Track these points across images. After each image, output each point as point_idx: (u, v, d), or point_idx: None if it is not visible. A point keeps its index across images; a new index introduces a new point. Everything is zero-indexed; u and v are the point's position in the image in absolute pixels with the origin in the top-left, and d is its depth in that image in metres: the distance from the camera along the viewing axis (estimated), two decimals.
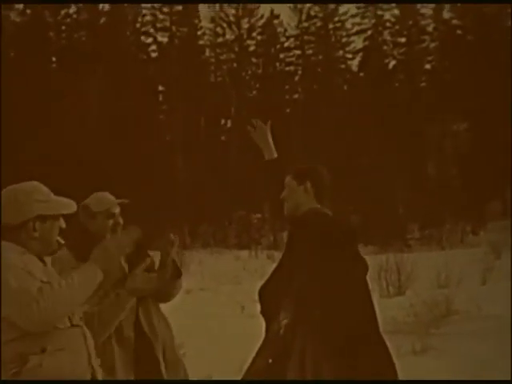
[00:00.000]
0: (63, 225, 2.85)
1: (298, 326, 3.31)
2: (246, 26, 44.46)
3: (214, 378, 7.14)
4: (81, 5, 40.83)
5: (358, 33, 44.34)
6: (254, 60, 45.01)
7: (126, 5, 41.31)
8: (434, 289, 13.08)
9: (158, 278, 3.52)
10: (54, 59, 41.79)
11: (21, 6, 39.94)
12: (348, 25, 44.31)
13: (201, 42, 44.43)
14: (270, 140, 4.02)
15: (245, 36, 44.54)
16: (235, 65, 44.33)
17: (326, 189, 3.62)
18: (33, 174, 5.14)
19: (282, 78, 44.38)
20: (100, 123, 37.21)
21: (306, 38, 44.74)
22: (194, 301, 14.03)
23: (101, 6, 41.56)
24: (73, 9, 41.25)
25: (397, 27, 43.85)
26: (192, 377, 4.06)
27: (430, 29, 43.65)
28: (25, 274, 2.61)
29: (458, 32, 42.20)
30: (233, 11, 44.21)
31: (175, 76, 40.69)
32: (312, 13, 44.26)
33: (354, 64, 44.67)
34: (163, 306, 3.90)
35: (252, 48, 44.95)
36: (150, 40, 43.92)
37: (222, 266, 23.66)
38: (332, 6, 43.73)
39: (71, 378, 2.66)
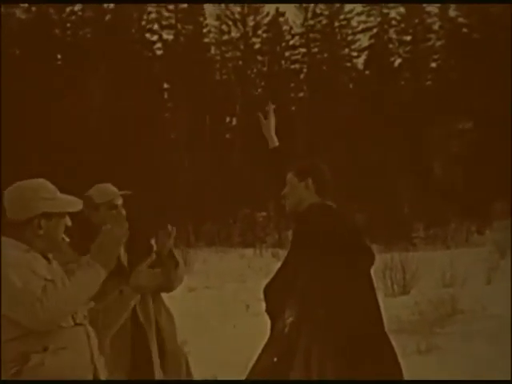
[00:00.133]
0: (69, 223, 2.84)
1: (303, 325, 3.30)
2: (251, 23, 44.42)
3: (218, 377, 7.12)
4: (86, 2, 40.88)
5: (363, 31, 44.23)
6: (259, 58, 44.96)
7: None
8: (439, 288, 13.03)
9: (161, 274, 3.51)
10: (59, 56, 41.79)
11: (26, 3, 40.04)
12: (354, 23, 44.25)
13: (206, 40, 44.39)
14: (273, 127, 4.06)
15: (250, 34, 44.49)
16: (240, 63, 44.30)
17: (328, 185, 3.63)
18: (35, 171, 5.13)
19: (288, 75, 44.29)
20: (105, 120, 37.24)
21: (311, 35, 44.65)
22: (199, 299, 14.01)
23: (106, 3, 41.68)
24: (78, 6, 41.30)
25: (402, 25, 43.74)
26: (196, 375, 4.06)
27: (435, 27, 43.53)
28: (29, 273, 2.60)
29: (464, 30, 42.07)
30: (238, 9, 44.20)
31: (180, 74, 40.68)
32: (318, 11, 44.21)
33: (360, 62, 44.60)
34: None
35: (257, 46, 44.89)
36: (155, 38, 43.88)
37: (226, 265, 23.59)
38: (338, 4, 43.65)
39: (72, 377, 2.65)
